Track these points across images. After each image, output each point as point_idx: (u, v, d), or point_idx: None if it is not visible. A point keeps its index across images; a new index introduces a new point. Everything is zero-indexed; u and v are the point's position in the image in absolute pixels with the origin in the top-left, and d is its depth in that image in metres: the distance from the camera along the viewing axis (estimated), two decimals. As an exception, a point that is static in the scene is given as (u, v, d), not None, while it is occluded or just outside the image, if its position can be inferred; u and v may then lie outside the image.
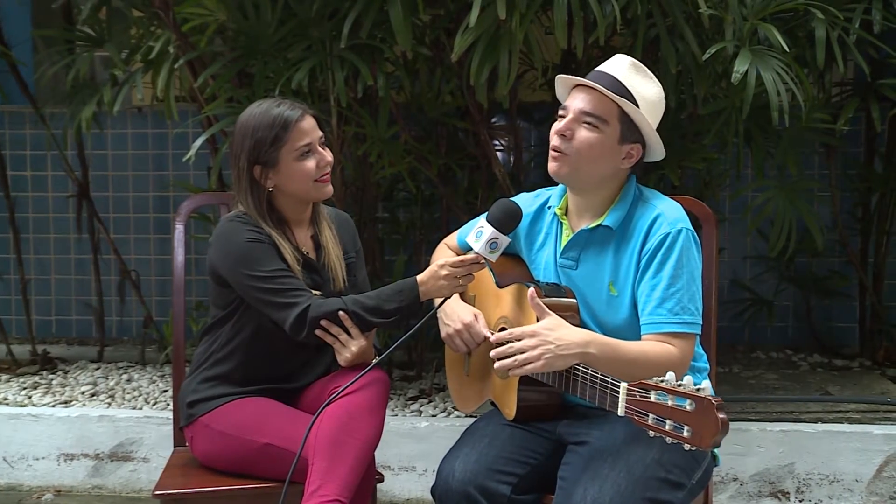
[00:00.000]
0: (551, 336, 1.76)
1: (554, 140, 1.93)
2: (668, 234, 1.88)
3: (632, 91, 1.90)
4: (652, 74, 1.95)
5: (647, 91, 1.92)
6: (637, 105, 1.89)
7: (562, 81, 1.99)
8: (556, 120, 1.95)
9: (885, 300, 4.12)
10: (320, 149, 2.12)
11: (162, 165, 4.66)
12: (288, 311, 2.02)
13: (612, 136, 1.90)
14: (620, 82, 1.90)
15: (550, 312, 1.81)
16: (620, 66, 1.93)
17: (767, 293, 4.33)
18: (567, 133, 1.90)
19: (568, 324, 1.80)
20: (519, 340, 1.78)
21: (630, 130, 1.91)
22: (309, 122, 2.11)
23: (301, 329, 2.02)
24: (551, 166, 1.94)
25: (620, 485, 1.72)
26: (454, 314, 2.07)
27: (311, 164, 2.09)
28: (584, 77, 1.94)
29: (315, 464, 1.92)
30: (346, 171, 3.48)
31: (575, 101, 1.92)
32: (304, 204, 2.17)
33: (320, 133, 2.14)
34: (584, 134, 1.89)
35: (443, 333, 2.09)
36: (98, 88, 3.63)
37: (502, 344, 1.82)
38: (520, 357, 1.77)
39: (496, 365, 1.82)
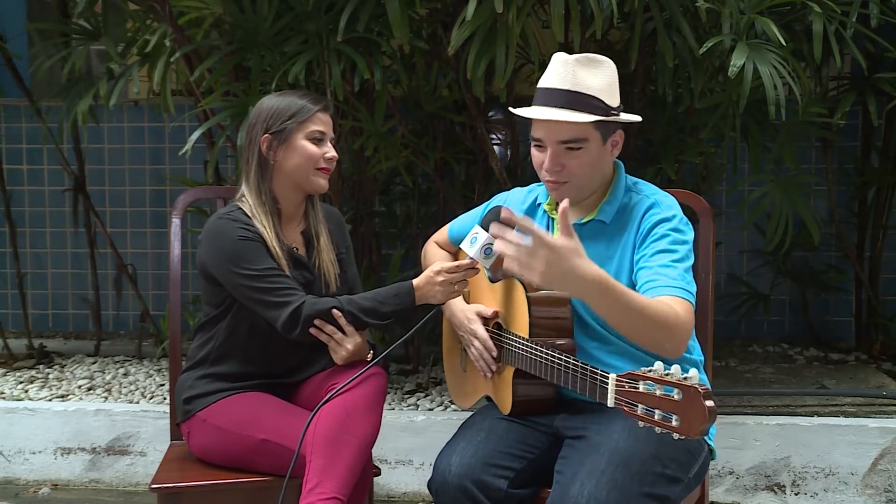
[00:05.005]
0: (566, 263, 1.59)
1: (546, 176, 1.91)
2: (665, 217, 1.90)
3: (588, 91, 1.86)
4: (590, 56, 1.90)
5: (598, 80, 1.88)
6: (604, 101, 1.87)
7: (523, 110, 1.94)
8: (532, 143, 1.92)
9: (881, 294, 4.13)
10: (330, 144, 2.16)
11: (158, 159, 4.65)
12: (280, 310, 2.02)
13: (597, 143, 1.90)
14: (576, 92, 1.85)
15: (574, 235, 1.63)
16: (565, 73, 1.87)
17: (764, 287, 4.34)
18: (559, 167, 1.89)
19: (586, 257, 1.65)
20: (540, 247, 1.59)
21: (607, 127, 1.91)
22: (328, 116, 2.16)
23: (294, 328, 2.02)
24: (555, 195, 1.94)
25: (617, 479, 1.72)
26: (465, 330, 2.07)
27: (318, 149, 2.12)
28: (534, 94, 1.91)
29: (313, 461, 1.92)
30: (343, 165, 3.48)
31: (549, 133, 1.88)
32: (300, 194, 2.17)
33: (333, 135, 2.18)
34: (574, 161, 1.88)
35: (471, 356, 2.08)
36: (94, 82, 3.63)
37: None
38: (523, 259, 1.59)
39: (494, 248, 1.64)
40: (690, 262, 1.88)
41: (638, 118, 1.98)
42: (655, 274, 1.83)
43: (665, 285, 1.81)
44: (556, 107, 1.86)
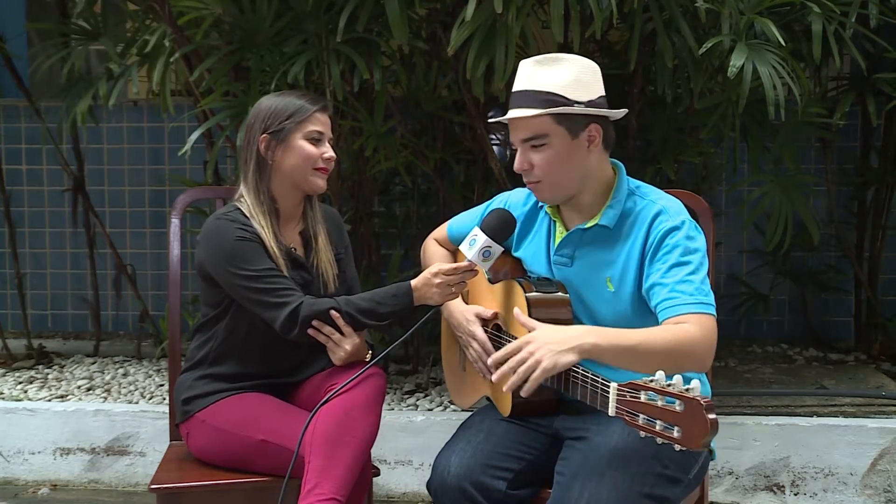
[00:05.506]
0: (548, 336, 1.69)
1: (524, 177, 1.95)
2: (675, 225, 1.87)
3: (544, 88, 1.87)
4: (554, 55, 1.92)
5: (557, 76, 1.88)
6: (563, 96, 1.86)
7: (495, 122, 2.02)
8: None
9: (881, 294, 4.13)
10: (328, 144, 2.15)
11: (158, 159, 4.65)
12: (278, 311, 2.02)
13: (563, 139, 1.88)
14: (535, 90, 1.88)
15: (539, 324, 1.75)
16: (526, 75, 1.91)
17: (763, 287, 4.34)
18: (525, 166, 1.92)
19: (563, 326, 1.75)
20: (517, 353, 1.70)
21: (574, 121, 1.88)
22: (326, 117, 2.16)
23: (292, 328, 2.02)
24: (538, 196, 1.98)
25: (617, 480, 1.72)
26: (463, 331, 2.07)
27: (316, 149, 2.12)
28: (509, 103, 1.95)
29: (312, 462, 1.92)
30: (343, 165, 3.48)
31: (512, 134, 1.94)
32: (298, 194, 2.17)
33: (331, 135, 2.18)
34: (538, 157, 1.90)
35: (470, 358, 2.08)
36: (93, 82, 3.63)
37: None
38: (522, 369, 1.66)
39: (504, 388, 1.72)
40: (705, 270, 1.86)
41: (620, 111, 1.95)
42: (671, 292, 1.81)
43: (683, 303, 1.80)
44: (517, 108, 1.89)
